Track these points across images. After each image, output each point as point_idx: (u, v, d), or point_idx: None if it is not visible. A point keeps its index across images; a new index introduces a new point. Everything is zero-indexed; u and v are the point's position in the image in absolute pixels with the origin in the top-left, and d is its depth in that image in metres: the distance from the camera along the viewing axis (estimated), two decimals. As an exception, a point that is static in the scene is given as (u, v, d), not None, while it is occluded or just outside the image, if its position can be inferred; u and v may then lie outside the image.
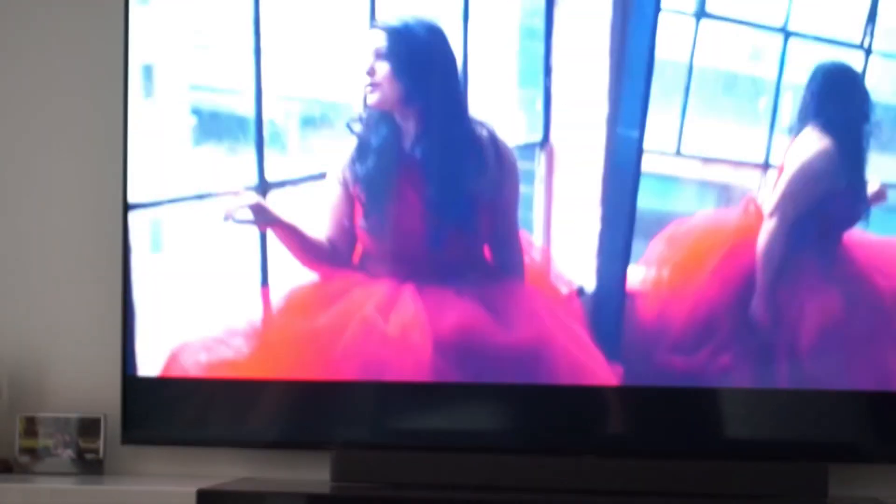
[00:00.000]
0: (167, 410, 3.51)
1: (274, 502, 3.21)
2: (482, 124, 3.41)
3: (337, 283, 3.44)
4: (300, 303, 3.46)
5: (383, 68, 3.40)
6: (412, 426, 3.44)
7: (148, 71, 3.54)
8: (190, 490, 3.22)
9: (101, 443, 3.54)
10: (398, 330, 3.39)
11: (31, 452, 3.55)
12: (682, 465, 3.30)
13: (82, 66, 3.68)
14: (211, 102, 3.54)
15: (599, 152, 3.39)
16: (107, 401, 3.56)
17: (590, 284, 3.40)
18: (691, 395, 3.33)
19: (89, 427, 3.54)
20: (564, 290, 3.41)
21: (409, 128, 3.42)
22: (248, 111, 3.48)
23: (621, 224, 3.38)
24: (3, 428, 3.57)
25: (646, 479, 3.30)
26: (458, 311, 3.40)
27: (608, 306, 3.39)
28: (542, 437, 3.39)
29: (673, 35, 3.36)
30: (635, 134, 3.37)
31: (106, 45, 3.61)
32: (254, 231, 3.46)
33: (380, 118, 3.43)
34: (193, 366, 3.47)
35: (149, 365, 3.48)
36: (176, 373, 3.47)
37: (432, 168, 3.42)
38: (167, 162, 3.53)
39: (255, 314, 3.46)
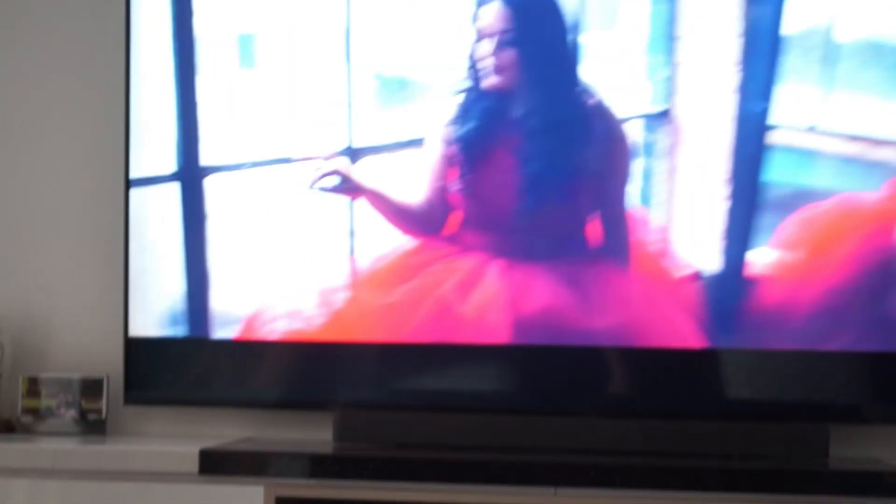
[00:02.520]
0: (170, 371, 3.52)
1: (276, 462, 3.21)
2: (591, 93, 3.30)
3: (421, 255, 3.39)
4: (380, 275, 3.40)
5: (499, 42, 3.31)
6: (414, 387, 3.45)
7: (245, 41, 3.48)
8: (192, 450, 3.23)
9: (103, 403, 3.54)
10: (475, 312, 3.35)
11: (34, 413, 3.56)
12: (685, 425, 3.31)
13: (87, 29, 3.67)
14: (304, 68, 3.46)
15: (727, 125, 3.26)
16: (109, 361, 3.56)
17: (710, 267, 3.29)
18: (693, 356, 3.33)
19: (92, 387, 3.55)
20: (678, 274, 3.31)
21: (513, 92, 3.33)
22: (340, 76, 3.42)
23: (748, 203, 3.25)
24: (6, 388, 3.58)
25: (648, 440, 3.31)
26: (544, 294, 3.32)
27: (727, 291, 3.29)
28: (545, 397, 3.40)
29: (810, 2, 3.24)
30: (763, 106, 3.23)
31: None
32: (340, 198, 3.42)
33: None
34: (268, 334, 3.45)
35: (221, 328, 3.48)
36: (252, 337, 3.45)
37: (535, 135, 3.33)
38: (252, 126, 3.46)
39: (335, 284, 3.42)
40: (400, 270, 3.40)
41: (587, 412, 3.37)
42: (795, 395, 3.32)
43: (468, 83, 3.38)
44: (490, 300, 3.34)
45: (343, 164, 3.42)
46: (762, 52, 3.27)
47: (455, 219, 3.39)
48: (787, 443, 3.27)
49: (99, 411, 3.55)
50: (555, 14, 3.32)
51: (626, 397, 3.41)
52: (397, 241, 3.41)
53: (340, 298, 3.42)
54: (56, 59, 3.69)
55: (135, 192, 3.49)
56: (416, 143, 3.41)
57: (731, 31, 3.27)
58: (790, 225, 3.27)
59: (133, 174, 3.50)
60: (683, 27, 3.30)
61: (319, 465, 3.22)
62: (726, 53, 3.27)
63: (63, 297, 3.65)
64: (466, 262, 3.37)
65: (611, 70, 3.32)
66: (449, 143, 3.37)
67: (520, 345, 3.36)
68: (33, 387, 3.56)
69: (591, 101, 3.31)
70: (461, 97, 3.38)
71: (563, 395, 3.39)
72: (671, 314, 3.32)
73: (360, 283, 3.42)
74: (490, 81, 3.34)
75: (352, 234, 3.43)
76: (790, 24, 3.26)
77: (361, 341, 3.42)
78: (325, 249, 3.44)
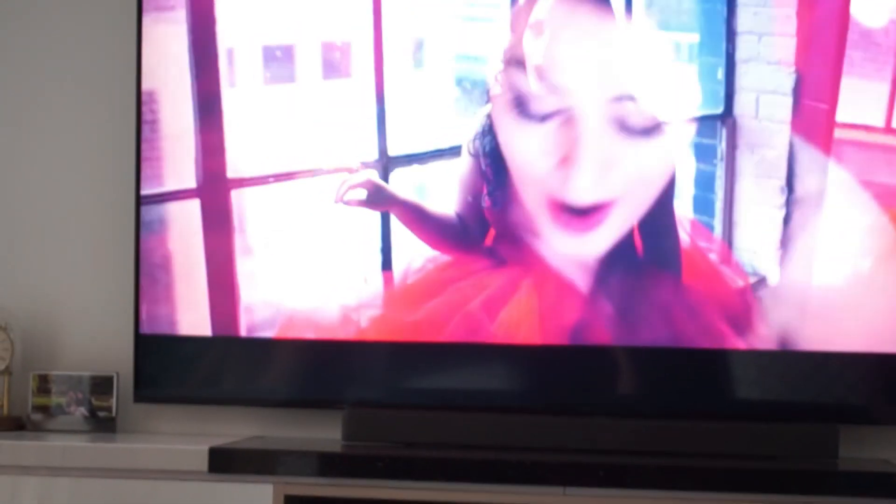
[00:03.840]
0: (180, 369, 3.52)
1: (286, 460, 3.22)
2: (629, 97, 3.25)
3: (451, 270, 3.36)
4: (410, 290, 3.38)
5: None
6: (424, 386, 3.45)
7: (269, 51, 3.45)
8: (202, 448, 3.23)
9: (113, 401, 3.55)
10: (503, 330, 3.34)
11: (44, 410, 3.56)
12: (694, 425, 3.31)
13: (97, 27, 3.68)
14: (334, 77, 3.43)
15: (786, 126, 3.23)
16: (120, 359, 3.57)
17: (773, 276, 3.27)
18: (703, 356, 3.33)
19: (102, 385, 3.55)
20: (739, 283, 3.27)
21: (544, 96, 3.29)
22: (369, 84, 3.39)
23: (811, 208, 3.24)
24: (17, 385, 3.59)
25: (658, 440, 3.31)
26: (578, 311, 3.31)
27: (791, 300, 3.26)
28: (554, 397, 3.40)
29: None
30: (825, 106, 3.18)
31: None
32: (368, 212, 3.39)
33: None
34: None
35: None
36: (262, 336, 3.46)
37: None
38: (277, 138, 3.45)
39: (360, 300, 3.41)
40: (430, 286, 3.38)
41: (597, 412, 3.36)
42: (805, 396, 3.31)
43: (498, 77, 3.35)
44: (519, 319, 3.33)
45: (372, 175, 3.41)
46: (823, 46, 3.24)
47: (492, 233, 3.37)
48: (797, 443, 3.27)
49: (109, 409, 3.55)
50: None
51: (635, 397, 3.41)
52: (429, 255, 3.39)
53: (366, 315, 3.40)
54: (68, 59, 3.69)
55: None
56: (452, 152, 3.38)
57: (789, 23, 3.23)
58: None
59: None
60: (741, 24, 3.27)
61: (329, 464, 3.22)
62: (785, 51, 3.24)
63: (73, 295, 3.66)
64: (498, 278, 3.35)
65: (661, 71, 3.29)
66: (478, 156, 3.35)
67: (529, 344, 3.36)
68: (43, 384, 3.56)
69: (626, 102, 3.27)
70: (489, 108, 3.36)
71: (573, 394, 3.39)
72: (718, 325, 3.29)
73: (389, 299, 3.41)
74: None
75: (383, 248, 3.41)
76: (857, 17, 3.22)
77: (371, 340, 3.43)
78: (353, 263, 3.42)
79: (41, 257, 3.68)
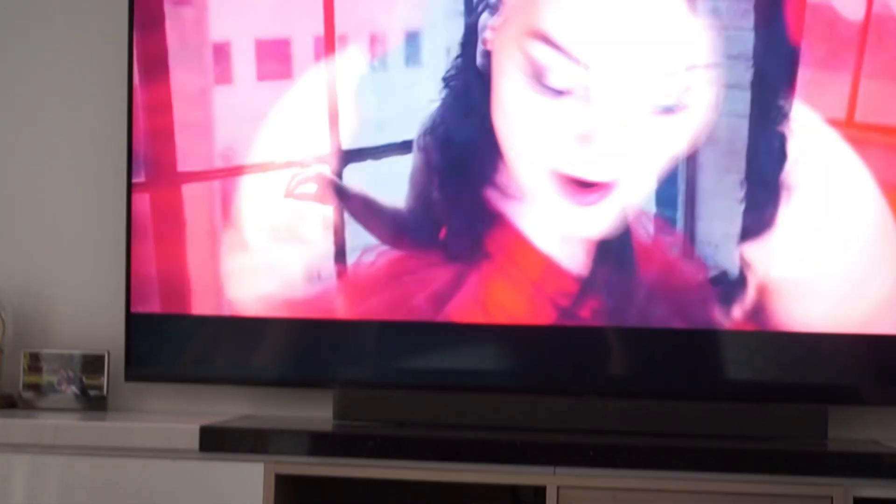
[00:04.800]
0: (171, 348, 3.52)
1: (276, 439, 3.22)
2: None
3: (400, 264, 3.38)
4: (358, 283, 3.41)
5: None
6: (414, 365, 3.46)
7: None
8: (193, 427, 3.24)
9: (104, 379, 3.55)
10: (489, 311, 3.35)
11: (36, 388, 3.57)
12: (684, 406, 3.32)
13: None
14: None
15: (742, 125, 3.25)
16: (111, 337, 3.57)
17: (732, 269, 3.30)
18: (693, 337, 3.34)
19: (93, 364, 3.55)
20: (700, 277, 3.30)
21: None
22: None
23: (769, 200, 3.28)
24: (8, 364, 3.59)
25: (648, 420, 3.32)
26: (525, 305, 3.33)
27: (780, 283, 3.27)
28: (544, 377, 3.41)
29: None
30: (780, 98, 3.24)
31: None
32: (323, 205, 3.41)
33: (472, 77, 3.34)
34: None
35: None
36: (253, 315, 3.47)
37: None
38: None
39: (315, 292, 3.43)
40: (377, 278, 3.40)
41: (586, 392, 3.37)
42: (795, 377, 3.32)
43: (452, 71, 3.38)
44: (464, 312, 3.35)
45: (324, 170, 3.42)
46: (778, 47, 3.27)
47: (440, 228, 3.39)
48: (786, 424, 3.28)
49: (100, 387, 3.56)
50: None
51: (625, 377, 3.42)
52: (382, 249, 3.41)
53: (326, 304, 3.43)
54: (60, 45, 3.69)
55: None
56: (405, 147, 3.39)
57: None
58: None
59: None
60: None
61: (319, 443, 3.23)
62: (740, 49, 3.27)
63: (64, 274, 3.66)
64: (446, 271, 3.36)
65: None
66: (429, 147, 3.36)
67: (519, 325, 3.37)
68: (34, 363, 3.57)
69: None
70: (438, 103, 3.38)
71: (563, 374, 3.40)
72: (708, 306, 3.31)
73: (342, 290, 3.42)
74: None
75: (335, 241, 3.43)
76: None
77: (362, 319, 3.43)
78: (314, 253, 3.44)
79: (32, 236, 3.68)
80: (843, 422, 3.35)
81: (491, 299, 3.36)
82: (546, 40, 3.25)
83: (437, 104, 3.37)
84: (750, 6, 3.26)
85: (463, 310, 3.37)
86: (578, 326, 3.36)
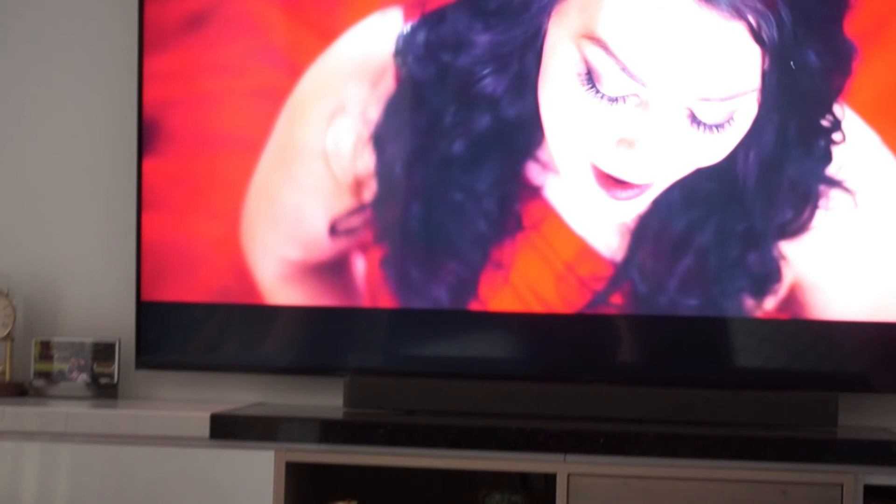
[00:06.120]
0: (181, 336, 3.53)
1: (287, 427, 3.23)
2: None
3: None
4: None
5: None
6: (425, 353, 3.46)
7: None
8: (204, 414, 3.24)
9: (115, 367, 3.56)
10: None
11: (46, 376, 3.57)
12: (694, 393, 3.32)
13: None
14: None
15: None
16: (122, 325, 3.58)
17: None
18: (703, 324, 3.34)
19: (104, 352, 3.56)
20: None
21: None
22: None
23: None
24: (19, 352, 3.60)
25: (658, 408, 3.32)
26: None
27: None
28: (554, 365, 3.41)
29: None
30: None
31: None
32: None
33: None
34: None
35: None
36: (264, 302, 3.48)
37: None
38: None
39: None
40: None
41: (596, 380, 3.37)
42: (805, 365, 3.32)
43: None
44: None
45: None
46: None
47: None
48: (796, 411, 3.28)
49: (111, 375, 3.56)
50: None
51: (635, 365, 3.42)
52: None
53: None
54: (69, 29, 3.69)
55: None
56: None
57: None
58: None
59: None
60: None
61: (330, 431, 3.23)
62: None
63: (75, 262, 3.66)
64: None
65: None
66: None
67: (529, 312, 3.37)
68: (45, 351, 3.57)
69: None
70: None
71: (573, 362, 3.40)
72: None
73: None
74: None
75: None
76: None
77: (372, 307, 3.43)
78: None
79: (44, 224, 3.68)
80: (854, 410, 3.35)
81: (519, 275, 3.36)
82: (604, 47, 3.26)
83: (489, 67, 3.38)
84: (810, 36, 3.26)
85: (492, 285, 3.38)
86: (589, 314, 3.36)
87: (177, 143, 3.49)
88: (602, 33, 3.27)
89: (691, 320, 3.34)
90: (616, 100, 3.28)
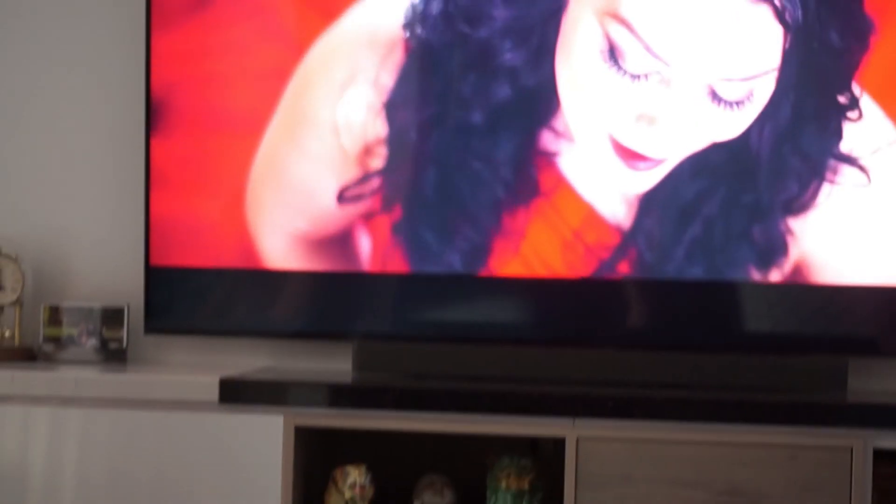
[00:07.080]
0: (190, 300, 3.53)
1: (296, 391, 3.23)
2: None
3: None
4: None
5: None
6: (434, 318, 3.46)
7: None
8: (213, 379, 3.25)
9: (124, 332, 3.56)
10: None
11: (56, 341, 3.58)
12: (704, 357, 3.32)
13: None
14: None
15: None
16: (130, 290, 3.58)
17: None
18: (713, 288, 3.33)
19: (113, 316, 3.56)
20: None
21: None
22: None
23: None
24: (28, 317, 3.60)
25: (667, 372, 3.32)
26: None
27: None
28: (563, 329, 3.40)
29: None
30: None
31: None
32: None
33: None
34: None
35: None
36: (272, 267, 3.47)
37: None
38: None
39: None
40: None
41: (605, 344, 3.37)
42: (814, 329, 3.32)
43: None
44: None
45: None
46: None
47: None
48: (806, 375, 3.28)
49: (120, 340, 3.57)
50: None
51: (644, 329, 3.41)
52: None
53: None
54: (80, 4, 3.69)
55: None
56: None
57: None
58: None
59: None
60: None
61: (338, 395, 3.23)
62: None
63: (84, 226, 3.67)
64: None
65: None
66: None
67: (538, 277, 3.37)
68: (54, 315, 3.58)
69: None
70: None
71: (582, 326, 3.40)
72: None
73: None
74: None
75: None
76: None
77: (381, 272, 3.43)
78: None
79: (52, 189, 3.68)
80: (863, 373, 3.35)
81: (529, 243, 3.36)
82: (628, 26, 3.24)
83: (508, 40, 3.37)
84: (833, 15, 3.25)
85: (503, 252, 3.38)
86: (597, 279, 3.35)
87: (184, 122, 3.48)
88: (626, 13, 3.26)
89: (701, 284, 3.33)
90: (638, 77, 3.27)
